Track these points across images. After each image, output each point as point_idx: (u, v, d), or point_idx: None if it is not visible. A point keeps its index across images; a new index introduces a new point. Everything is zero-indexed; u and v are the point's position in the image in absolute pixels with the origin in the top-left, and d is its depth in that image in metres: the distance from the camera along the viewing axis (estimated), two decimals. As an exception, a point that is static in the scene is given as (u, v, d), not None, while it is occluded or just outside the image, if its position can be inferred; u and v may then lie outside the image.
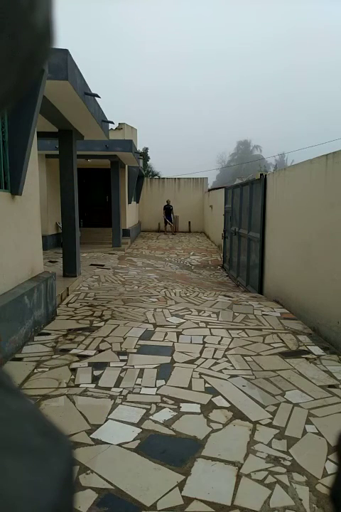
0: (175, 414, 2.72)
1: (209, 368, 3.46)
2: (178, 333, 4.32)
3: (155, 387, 3.10)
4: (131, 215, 16.10)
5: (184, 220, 21.21)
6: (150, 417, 2.67)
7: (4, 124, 3.86)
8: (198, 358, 3.69)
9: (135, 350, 3.83)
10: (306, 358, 3.72)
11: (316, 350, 3.94)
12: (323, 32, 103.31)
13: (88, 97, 5.61)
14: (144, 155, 27.16)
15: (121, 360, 3.59)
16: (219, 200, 13.90)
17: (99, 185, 15.29)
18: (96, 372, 3.33)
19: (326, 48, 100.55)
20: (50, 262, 9.16)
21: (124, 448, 2.34)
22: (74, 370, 3.37)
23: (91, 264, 9.21)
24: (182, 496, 1.97)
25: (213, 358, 3.69)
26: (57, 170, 7.60)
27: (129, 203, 15.29)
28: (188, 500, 1.95)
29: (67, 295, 5.95)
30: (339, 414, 2.76)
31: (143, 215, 21.10)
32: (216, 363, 3.57)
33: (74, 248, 7.02)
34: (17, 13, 0.21)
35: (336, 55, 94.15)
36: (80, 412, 2.71)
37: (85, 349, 3.83)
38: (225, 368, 3.47)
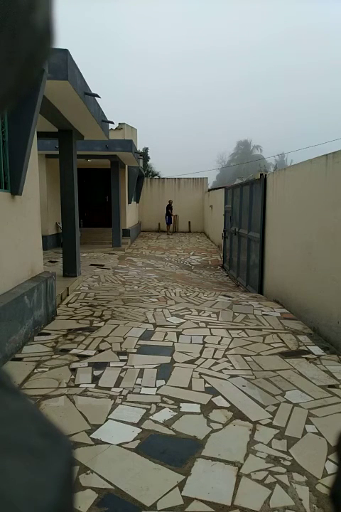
0: (175, 414, 2.72)
1: (209, 368, 3.46)
2: (178, 333, 4.32)
3: (155, 387, 3.10)
4: (131, 215, 16.11)
5: (184, 220, 21.26)
6: (150, 417, 2.67)
7: (4, 124, 3.86)
8: (198, 358, 3.69)
9: (135, 350, 3.83)
10: (306, 358, 3.72)
11: (316, 350, 3.94)
12: (323, 30, 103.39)
13: (88, 97, 5.61)
14: (144, 155, 27.16)
15: (121, 360, 3.59)
16: (219, 200, 13.91)
17: (99, 185, 15.31)
18: (96, 372, 3.33)
19: (326, 46, 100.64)
20: (50, 262, 9.17)
21: (124, 448, 2.34)
22: (74, 370, 3.37)
23: (92, 264, 9.21)
24: (182, 496, 1.97)
25: (213, 358, 3.69)
26: (57, 170, 7.60)
27: (129, 203, 15.30)
28: (188, 500, 1.95)
29: (67, 295, 5.95)
30: (339, 414, 2.76)
31: (143, 215, 21.12)
32: (216, 363, 3.57)
33: (74, 248, 7.02)
34: (17, 13, 0.21)
35: (336, 54, 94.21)
36: (80, 412, 2.72)
37: (85, 349, 3.83)
38: (225, 368, 3.47)
